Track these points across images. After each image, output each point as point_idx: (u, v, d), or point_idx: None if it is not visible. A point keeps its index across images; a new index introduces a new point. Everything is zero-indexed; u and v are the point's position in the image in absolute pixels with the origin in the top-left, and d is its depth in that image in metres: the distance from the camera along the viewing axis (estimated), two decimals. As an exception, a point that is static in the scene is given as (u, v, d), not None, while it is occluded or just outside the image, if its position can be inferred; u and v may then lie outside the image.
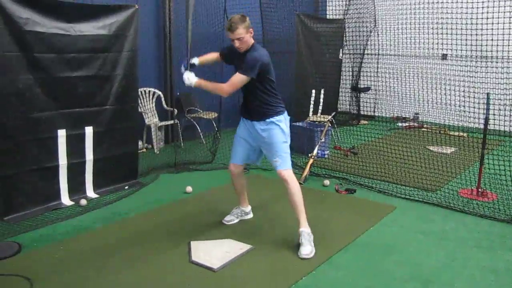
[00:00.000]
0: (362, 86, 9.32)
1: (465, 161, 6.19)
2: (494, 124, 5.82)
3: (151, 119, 7.08)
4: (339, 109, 9.36)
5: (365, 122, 9.29)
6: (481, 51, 6.69)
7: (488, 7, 6.23)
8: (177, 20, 7.12)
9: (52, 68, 4.51)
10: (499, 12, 6.19)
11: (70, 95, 4.70)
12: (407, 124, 8.98)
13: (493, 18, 6.20)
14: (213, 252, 3.67)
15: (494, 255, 3.71)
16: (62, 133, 4.66)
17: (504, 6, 6.22)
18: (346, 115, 9.47)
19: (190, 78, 3.81)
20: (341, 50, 8.99)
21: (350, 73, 9.34)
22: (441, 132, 8.06)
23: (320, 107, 8.52)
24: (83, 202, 4.75)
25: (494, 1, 6.27)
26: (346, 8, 8.82)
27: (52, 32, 4.45)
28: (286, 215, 4.39)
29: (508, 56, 6.94)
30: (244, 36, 3.65)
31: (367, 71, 9.19)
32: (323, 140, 6.20)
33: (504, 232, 4.16)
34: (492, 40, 6.30)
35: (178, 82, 7.27)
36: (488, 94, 5.10)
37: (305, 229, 3.82)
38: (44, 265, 3.48)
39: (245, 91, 3.83)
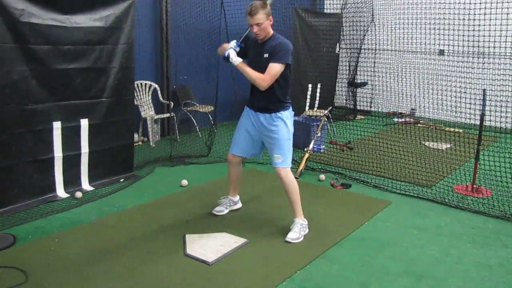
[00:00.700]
0: (358, 81, 9.33)
1: (461, 157, 6.21)
2: (490, 121, 5.84)
3: (147, 112, 7.06)
4: (335, 104, 9.37)
5: (362, 117, 9.29)
6: (478, 47, 6.70)
7: (485, 3, 6.23)
8: (174, 13, 7.10)
9: (48, 60, 4.48)
10: (496, 8, 6.19)
11: (65, 87, 4.67)
12: (403, 120, 9.00)
13: (490, 14, 6.20)
14: (208, 246, 3.67)
15: (488, 250, 3.73)
16: (57, 125, 4.64)
17: (502, 2, 6.22)
18: (342, 110, 9.47)
19: (236, 56, 3.69)
20: (338, 44, 8.99)
21: (347, 68, 9.35)
22: (437, 128, 8.08)
23: (317, 102, 8.53)
24: (79, 194, 4.74)
25: (491, -2, 6.27)
26: (344, 2, 8.80)
27: (48, 23, 4.42)
28: (281, 209, 4.40)
29: (505, 53, 6.95)
30: (264, 22, 3.60)
31: (364, 66, 9.20)
32: (319, 134, 6.20)
33: (498, 228, 4.18)
34: (489, 36, 6.31)
35: (174, 75, 7.26)
36: (484, 90, 5.11)
37: (299, 219, 3.89)
38: (39, 257, 3.48)
39: None
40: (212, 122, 6.95)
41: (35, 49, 4.36)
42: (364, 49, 9.45)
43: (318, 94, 8.50)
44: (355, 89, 9.42)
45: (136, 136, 6.61)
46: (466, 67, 7.09)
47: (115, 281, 3.18)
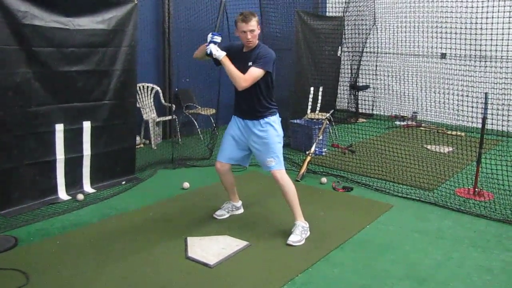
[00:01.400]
0: (360, 84, 9.32)
1: (462, 161, 6.20)
2: (492, 124, 5.84)
3: (149, 114, 7.07)
4: (337, 107, 9.36)
5: (363, 120, 9.29)
6: (480, 50, 6.70)
7: (487, 6, 6.23)
8: (176, 15, 7.11)
9: (51, 62, 4.49)
10: (498, 12, 6.18)
11: (68, 90, 4.69)
12: (405, 123, 8.98)
13: (492, 18, 6.20)
14: (210, 248, 3.67)
15: (490, 254, 3.72)
16: (60, 128, 4.65)
17: (504, 6, 6.21)
18: (344, 113, 9.47)
19: (218, 50, 3.67)
20: (340, 47, 8.98)
21: (349, 71, 9.34)
22: (439, 131, 8.07)
23: (319, 105, 8.52)
24: (80, 196, 4.74)
25: (493, 1, 6.27)
26: (345, 6, 8.80)
27: (51, 26, 4.44)
28: (282, 212, 4.39)
29: (507, 56, 6.94)
30: (256, 29, 3.66)
31: (366, 69, 9.19)
32: (321, 137, 6.20)
33: (500, 231, 4.17)
34: (491, 40, 6.30)
35: (176, 78, 7.27)
36: (486, 93, 5.11)
37: (300, 222, 3.91)
38: (40, 259, 3.48)
39: (245, 89, 3.76)
40: (214, 125, 6.95)
41: (38, 52, 4.38)
42: (366, 52, 9.44)
43: (320, 97, 8.50)
44: (357, 92, 9.42)
45: (138, 138, 6.61)
46: (468, 70, 7.08)
47: (117, 283, 3.19)
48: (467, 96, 6.58)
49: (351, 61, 9.35)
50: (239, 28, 3.67)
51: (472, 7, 6.31)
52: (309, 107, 8.28)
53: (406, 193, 5.10)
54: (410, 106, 8.85)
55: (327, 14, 9.25)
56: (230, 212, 4.40)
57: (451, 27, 6.88)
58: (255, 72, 3.64)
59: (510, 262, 3.61)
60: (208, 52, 3.68)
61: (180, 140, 7.25)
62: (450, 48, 6.85)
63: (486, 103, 5.01)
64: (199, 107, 7.50)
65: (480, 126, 5.09)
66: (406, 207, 4.77)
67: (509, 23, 6.17)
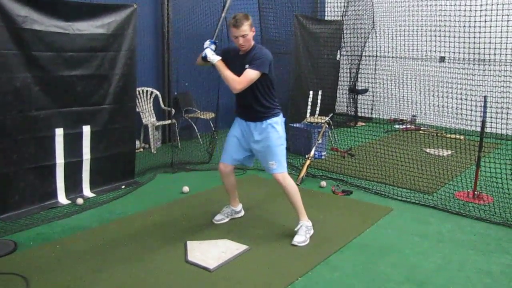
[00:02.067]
0: (359, 88, 9.34)
1: (462, 164, 6.21)
2: (491, 127, 5.84)
3: (149, 118, 7.08)
4: (336, 111, 9.38)
5: (363, 123, 9.30)
6: (478, 54, 6.72)
7: (486, 10, 6.25)
8: (175, 20, 7.13)
9: (50, 67, 4.50)
10: (497, 15, 6.20)
11: (68, 94, 4.69)
12: (404, 126, 9.00)
13: (491, 21, 6.21)
14: (209, 252, 3.67)
15: (490, 257, 3.72)
16: (59, 132, 4.66)
17: (502, 10, 6.23)
18: (343, 117, 9.49)
19: (214, 54, 3.71)
20: (339, 51, 9.00)
21: (348, 75, 9.36)
22: (438, 134, 8.08)
23: (318, 109, 8.53)
24: (80, 201, 4.74)
25: (492, 5, 6.29)
26: (344, 10, 8.83)
27: (51, 30, 4.44)
28: (282, 216, 4.40)
29: (506, 60, 6.96)
30: (248, 33, 3.64)
31: (364, 73, 9.21)
32: (320, 141, 6.21)
33: (499, 235, 4.17)
34: (490, 43, 6.32)
35: (176, 82, 7.27)
36: (485, 97, 5.12)
37: (304, 222, 3.93)
38: (40, 264, 3.47)
39: (245, 91, 3.73)
40: (213, 129, 6.96)
41: (38, 56, 4.38)
42: (365, 56, 9.47)
43: (319, 101, 8.51)
44: (356, 95, 9.43)
45: (137, 142, 6.62)
46: (467, 73, 7.10)
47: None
48: (466, 99, 6.59)
49: (350, 64, 9.37)
50: (231, 33, 3.67)
51: (471, 10, 6.33)
52: (308, 110, 8.29)
53: (405, 197, 5.10)
54: (409, 109, 8.87)
55: (326, 18, 9.28)
56: (230, 216, 4.39)
57: (449, 31, 6.90)
58: (250, 74, 3.62)
59: (510, 265, 3.61)
60: (203, 55, 3.73)
61: (179, 144, 7.25)
62: (449, 52, 6.87)
63: (485, 106, 5.02)
64: (199, 111, 7.50)
65: (479, 129, 5.10)
66: (406, 210, 4.77)
67: (508, 26, 6.19)
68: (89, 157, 4.96)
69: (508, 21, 6.16)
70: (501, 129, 5.99)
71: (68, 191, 4.81)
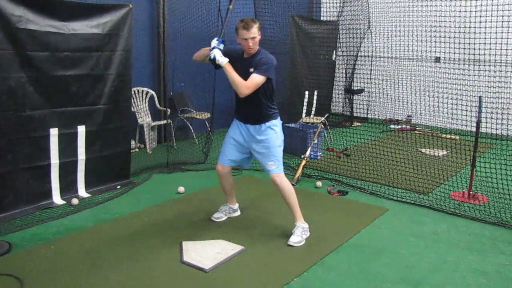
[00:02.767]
0: (355, 88, 9.36)
1: (457, 164, 6.22)
2: (486, 127, 5.86)
3: (144, 118, 7.06)
4: (332, 111, 9.39)
5: (358, 124, 9.32)
6: (473, 54, 6.74)
7: (481, 11, 6.27)
8: (171, 20, 7.11)
9: (45, 67, 4.48)
10: (491, 16, 6.22)
11: (63, 94, 4.67)
12: (399, 127, 9.02)
13: (486, 22, 6.23)
14: (205, 253, 3.66)
15: (485, 257, 3.73)
16: (54, 132, 4.64)
17: (497, 10, 6.26)
18: (339, 117, 9.50)
19: (222, 56, 3.69)
20: (334, 51, 9.01)
21: (344, 75, 9.37)
22: (434, 134, 8.10)
23: (313, 109, 8.54)
24: (75, 201, 4.72)
25: (487, 5, 6.31)
26: (340, 10, 8.84)
27: (46, 30, 4.43)
28: (278, 216, 4.40)
29: (501, 60, 6.98)
30: (257, 36, 3.67)
31: (360, 73, 9.22)
32: (315, 141, 6.21)
33: (494, 234, 4.18)
34: (485, 44, 6.34)
35: (171, 82, 7.26)
36: (480, 97, 5.14)
37: (300, 223, 3.94)
38: (34, 265, 3.46)
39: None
40: (209, 129, 6.95)
41: (33, 56, 4.37)
42: (361, 56, 9.48)
43: (315, 101, 8.52)
44: (351, 96, 9.45)
45: (133, 142, 6.59)
46: (462, 74, 7.12)
47: (112, 288, 3.17)
48: (461, 99, 6.61)
49: (345, 65, 9.38)
50: (240, 35, 3.66)
51: (466, 11, 6.35)
52: (304, 111, 8.30)
53: (401, 197, 5.11)
54: (404, 109, 8.89)
55: (322, 18, 9.29)
56: (228, 214, 4.41)
57: (445, 31, 6.92)
58: (257, 79, 3.65)
59: (505, 265, 3.62)
60: (212, 57, 3.70)
61: (175, 144, 7.24)
62: (444, 52, 6.89)
63: (480, 107, 5.03)
64: (194, 111, 7.49)
65: (474, 129, 5.11)
66: (401, 210, 4.78)
67: (502, 27, 6.21)
68: (84, 157, 4.94)
69: (503, 21, 6.18)
70: (496, 129, 6.01)
71: (63, 191, 4.79)
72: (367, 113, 9.60)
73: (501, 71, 7.25)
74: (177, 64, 7.09)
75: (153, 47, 7.34)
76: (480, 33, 6.30)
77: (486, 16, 6.25)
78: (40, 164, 4.58)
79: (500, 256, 3.76)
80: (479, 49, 6.51)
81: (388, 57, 9.08)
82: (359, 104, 9.31)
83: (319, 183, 5.52)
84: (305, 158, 5.76)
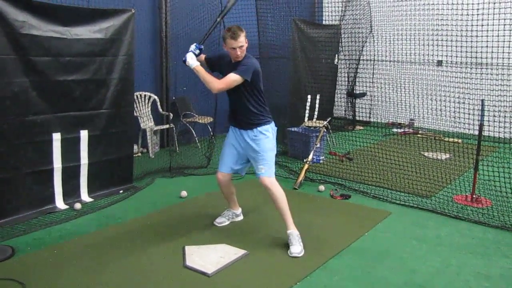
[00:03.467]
0: (357, 92, 9.35)
1: (460, 167, 6.21)
2: (489, 131, 5.85)
3: (147, 123, 7.07)
4: (334, 115, 9.39)
5: (361, 127, 9.31)
6: (476, 58, 6.72)
7: (483, 14, 6.26)
8: (173, 24, 7.13)
9: (48, 72, 4.50)
10: (493, 19, 6.21)
11: (65, 99, 4.69)
12: (402, 130, 9.00)
13: (488, 25, 6.22)
14: (208, 257, 3.66)
15: (489, 261, 3.72)
16: (57, 137, 4.65)
17: (499, 14, 6.25)
18: (341, 121, 9.50)
19: (193, 59, 3.79)
20: (337, 55, 9.02)
21: (346, 79, 9.37)
22: (436, 138, 8.09)
23: (316, 113, 8.54)
24: (78, 206, 4.73)
25: (489, 9, 6.30)
26: (342, 14, 8.85)
27: (48, 35, 4.45)
28: (280, 220, 4.37)
29: (503, 63, 6.97)
30: (244, 44, 3.72)
31: (362, 77, 9.22)
32: (318, 145, 6.21)
33: (498, 238, 4.17)
34: (487, 47, 6.33)
35: (174, 87, 7.27)
36: (482, 100, 5.13)
37: (293, 231, 3.89)
38: (37, 269, 3.46)
39: (234, 99, 3.87)
40: (212, 133, 6.96)
41: (36, 61, 4.39)
42: (363, 60, 9.48)
43: (317, 105, 8.52)
44: (354, 99, 9.45)
45: (135, 147, 6.61)
46: (465, 77, 7.10)
47: (114, 293, 3.17)
48: (463, 103, 6.60)
49: (348, 68, 9.38)
50: (228, 44, 3.71)
51: (468, 14, 6.34)
52: (307, 115, 8.29)
53: (404, 200, 5.10)
54: (407, 113, 8.87)
55: (324, 22, 9.30)
56: (230, 219, 4.41)
57: (447, 35, 6.91)
58: (231, 77, 3.69)
59: (509, 268, 3.60)
60: (183, 59, 3.81)
61: (177, 148, 7.24)
62: (447, 56, 6.88)
63: (482, 110, 5.03)
64: (197, 116, 7.50)
65: (477, 132, 5.10)
66: (404, 214, 4.77)
67: (505, 30, 6.20)
68: (87, 162, 4.95)
69: (505, 24, 6.18)
70: (499, 132, 5.99)
71: (65, 196, 4.80)
72: (369, 117, 9.59)
73: (503, 74, 7.24)
74: (180, 68, 7.11)
75: (155, 52, 7.36)
76: (482, 36, 6.29)
77: (488, 20, 6.24)
78: (43, 169, 4.59)
79: (503, 260, 3.74)
80: (482, 52, 6.50)
81: (390, 61, 9.08)
82: (362, 107, 9.30)
83: (321, 187, 5.51)
84: (308, 162, 5.76)
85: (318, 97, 8.49)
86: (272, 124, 3.98)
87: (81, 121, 4.86)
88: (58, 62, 4.57)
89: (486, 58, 6.59)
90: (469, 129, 6.05)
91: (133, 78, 5.32)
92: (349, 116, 9.52)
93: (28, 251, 3.78)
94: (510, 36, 6.19)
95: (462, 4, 6.31)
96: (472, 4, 6.26)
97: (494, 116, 6.14)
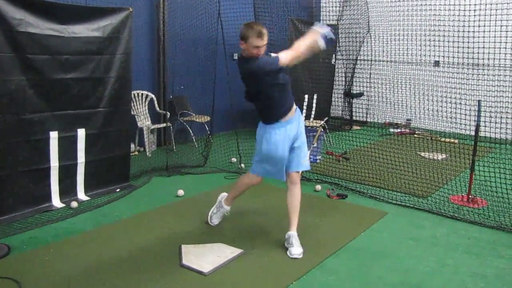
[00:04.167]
0: (354, 92, 9.37)
1: (456, 168, 6.23)
2: (485, 131, 5.87)
3: (144, 121, 7.07)
4: (331, 115, 9.40)
5: (358, 127, 9.32)
6: (472, 58, 6.75)
7: (480, 15, 6.28)
8: (170, 23, 7.13)
9: (45, 70, 4.49)
10: (490, 20, 6.24)
11: (63, 97, 4.68)
12: (399, 130, 9.02)
13: (484, 26, 6.25)
14: (204, 256, 3.66)
15: (484, 261, 3.74)
16: (54, 135, 4.64)
17: (496, 15, 6.27)
18: (338, 121, 9.51)
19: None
20: (334, 55, 9.03)
21: (343, 79, 9.39)
22: (433, 138, 8.11)
23: (313, 112, 8.54)
24: (74, 204, 4.72)
25: (486, 10, 6.33)
26: (339, 14, 8.86)
27: (46, 33, 4.44)
28: (277, 220, 4.39)
29: (499, 64, 7.00)
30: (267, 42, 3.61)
31: (360, 77, 9.24)
32: (315, 145, 6.21)
33: (493, 238, 4.18)
34: (483, 48, 6.36)
35: (171, 85, 7.27)
36: (479, 101, 5.14)
37: (295, 232, 3.88)
38: (33, 268, 3.46)
39: (280, 88, 3.77)
40: (209, 132, 6.96)
41: (33, 59, 4.38)
42: (360, 60, 9.50)
43: (314, 105, 8.52)
44: (351, 99, 9.46)
45: (132, 146, 6.60)
46: (461, 78, 7.14)
47: (111, 291, 3.17)
48: (460, 103, 6.62)
49: (345, 68, 9.39)
50: (252, 43, 3.51)
51: (465, 15, 6.37)
52: (304, 114, 8.30)
53: (400, 200, 5.11)
54: (404, 113, 8.90)
55: (321, 22, 9.30)
56: (221, 216, 4.36)
57: (444, 35, 6.94)
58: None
59: (504, 268, 3.62)
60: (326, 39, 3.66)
61: (174, 147, 7.24)
62: (444, 56, 6.90)
63: (479, 111, 5.04)
64: (194, 115, 7.50)
65: (473, 133, 5.12)
66: (400, 214, 4.78)
67: (501, 31, 6.23)
68: (84, 160, 4.94)
69: (501, 26, 6.20)
70: (495, 133, 6.02)
71: (62, 194, 4.79)
72: (366, 117, 9.61)
73: (500, 75, 7.27)
74: (177, 67, 7.11)
75: (153, 50, 7.35)
76: (479, 37, 6.32)
77: (485, 20, 6.27)
78: (40, 167, 4.58)
79: (499, 260, 3.76)
80: (478, 53, 6.53)
81: (387, 61, 9.10)
82: (359, 107, 9.32)
83: (318, 187, 5.52)
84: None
85: (315, 96, 8.50)
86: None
87: (78, 119, 4.85)
88: (56, 60, 4.56)
89: (483, 59, 6.62)
90: (465, 130, 6.07)
91: (130, 76, 5.31)
92: (346, 116, 9.53)
93: (24, 250, 3.77)
94: (506, 37, 6.22)
95: (459, 5, 6.33)
96: (469, 5, 6.28)
97: (491, 117, 6.16)
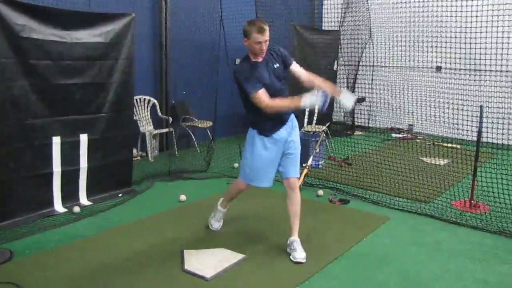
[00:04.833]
0: (357, 97, 9.36)
1: (458, 173, 6.22)
2: (487, 137, 5.87)
3: (146, 127, 7.08)
4: (333, 120, 9.40)
5: (360, 133, 9.31)
6: (474, 64, 6.76)
7: (481, 21, 6.29)
8: (173, 28, 7.16)
9: (48, 75, 4.51)
10: (492, 26, 6.25)
11: (65, 102, 4.70)
12: (401, 135, 9.02)
13: (486, 31, 6.26)
14: (206, 261, 3.66)
15: (487, 266, 3.73)
16: (56, 140, 4.65)
17: (498, 21, 6.28)
18: (340, 126, 9.50)
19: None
20: (336, 61, 9.05)
21: (345, 84, 9.39)
22: (435, 143, 8.10)
23: (315, 118, 8.55)
24: (77, 209, 4.73)
25: (487, 15, 6.34)
26: (341, 20, 8.88)
27: (49, 39, 4.46)
28: (279, 225, 4.39)
29: (501, 69, 7.00)
30: (268, 38, 3.58)
31: (362, 82, 9.24)
32: (317, 150, 6.21)
33: (496, 244, 4.17)
34: (485, 53, 6.36)
35: (173, 91, 7.29)
36: (481, 106, 5.14)
37: (297, 238, 3.86)
38: (35, 273, 3.46)
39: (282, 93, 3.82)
40: (211, 138, 6.97)
41: (36, 64, 4.39)
42: (362, 65, 9.51)
43: (316, 110, 8.53)
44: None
45: (134, 151, 6.61)
46: (463, 83, 7.13)
47: (113, 296, 3.17)
48: (462, 109, 6.62)
49: (347, 74, 9.40)
50: (254, 39, 3.50)
51: (467, 21, 6.37)
52: (306, 120, 8.30)
53: (402, 206, 5.11)
54: (406, 118, 8.90)
55: (323, 27, 9.33)
56: (222, 219, 4.37)
57: (446, 41, 6.94)
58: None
59: (507, 274, 3.61)
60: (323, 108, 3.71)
61: (177, 152, 7.25)
62: (445, 61, 6.91)
63: (481, 116, 5.04)
64: (196, 120, 7.51)
65: (475, 138, 5.12)
66: (403, 219, 4.77)
67: (502, 37, 6.24)
68: (86, 166, 4.95)
69: (503, 31, 6.21)
70: (497, 138, 6.01)
71: (64, 199, 4.80)
72: (368, 122, 9.60)
73: (502, 80, 7.26)
74: (179, 72, 7.13)
75: (155, 56, 7.37)
76: (481, 42, 6.33)
77: (487, 26, 6.28)
78: (42, 172, 4.59)
79: (501, 265, 3.75)
80: (480, 58, 6.54)
81: (389, 66, 9.11)
82: (361, 113, 9.31)
83: (320, 192, 5.52)
84: (307, 167, 5.76)
85: (317, 102, 8.49)
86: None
87: (81, 124, 4.86)
88: (58, 66, 4.58)
89: (485, 64, 6.63)
90: (467, 135, 6.07)
91: (133, 82, 5.32)
92: (348, 121, 9.53)
93: (27, 254, 3.77)
94: (508, 42, 6.23)
95: (461, 11, 6.34)
96: (471, 11, 6.29)
97: (493, 122, 6.15)
